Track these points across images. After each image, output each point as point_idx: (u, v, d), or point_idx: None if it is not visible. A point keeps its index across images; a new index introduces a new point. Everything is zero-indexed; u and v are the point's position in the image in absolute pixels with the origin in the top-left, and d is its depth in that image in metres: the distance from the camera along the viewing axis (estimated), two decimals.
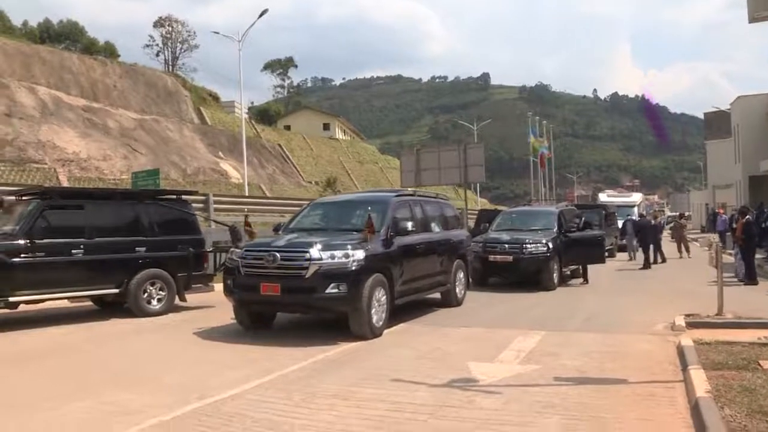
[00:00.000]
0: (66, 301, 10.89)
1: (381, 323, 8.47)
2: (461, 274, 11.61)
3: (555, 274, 14.24)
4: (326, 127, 64.14)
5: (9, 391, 5.99)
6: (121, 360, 7.32)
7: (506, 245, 14.36)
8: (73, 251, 9.76)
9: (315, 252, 8.03)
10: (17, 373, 6.78)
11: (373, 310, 8.22)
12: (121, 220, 10.54)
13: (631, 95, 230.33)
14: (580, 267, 15.80)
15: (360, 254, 8.15)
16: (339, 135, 64.70)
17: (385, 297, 8.59)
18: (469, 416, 4.93)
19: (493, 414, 4.98)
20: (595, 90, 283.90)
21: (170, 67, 59.12)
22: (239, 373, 6.41)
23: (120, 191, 12.82)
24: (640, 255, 21.33)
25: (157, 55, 61.81)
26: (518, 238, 14.57)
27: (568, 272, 15.80)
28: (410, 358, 7.21)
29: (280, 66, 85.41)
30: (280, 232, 9.69)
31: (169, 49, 62.24)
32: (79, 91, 32.44)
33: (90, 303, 11.27)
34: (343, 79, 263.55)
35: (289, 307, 8.84)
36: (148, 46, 62.20)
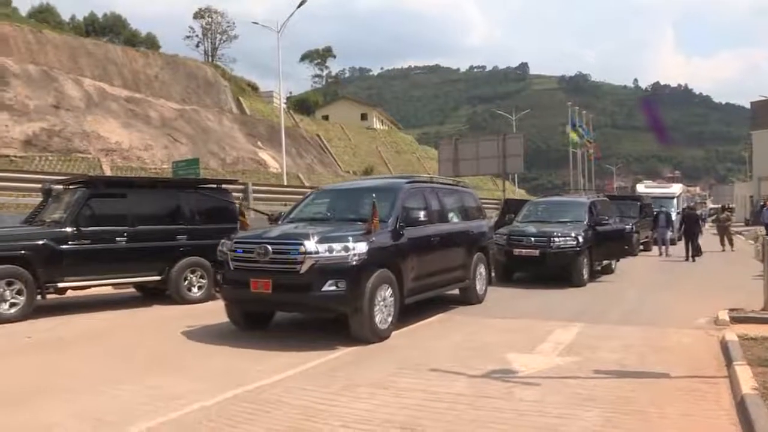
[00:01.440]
0: (110, 287, 11.18)
1: (387, 325, 7.63)
2: (482, 269, 10.69)
3: (585, 270, 13.28)
4: (364, 117, 64.30)
5: (59, 374, 6.17)
6: (163, 346, 7.46)
7: (532, 238, 13.39)
8: (116, 239, 9.99)
9: (311, 244, 7.13)
10: (66, 357, 6.97)
11: (376, 310, 7.39)
12: (163, 208, 10.73)
13: (674, 84, 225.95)
14: (612, 262, 15.05)
15: (362, 247, 7.29)
16: (377, 125, 64.76)
17: (392, 295, 7.75)
18: (508, 407, 4.91)
19: (532, 406, 4.95)
20: (635, 79, 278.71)
21: (210, 57, 59.92)
22: (279, 360, 6.47)
23: (162, 180, 13.04)
24: (673, 249, 20.87)
25: (197, 45, 62.84)
26: (545, 230, 13.59)
27: (599, 268, 14.76)
28: (448, 348, 7.21)
29: (318, 56, 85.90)
30: (279, 223, 8.99)
31: (209, 40, 63.16)
32: (122, 82, 33.05)
33: (133, 290, 11.50)
34: (381, 68, 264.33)
35: (281, 306, 8.08)
36: (188, 37, 63.30)
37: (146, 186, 11.21)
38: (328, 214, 8.99)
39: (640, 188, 35.36)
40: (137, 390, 5.46)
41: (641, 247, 21.94)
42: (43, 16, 44.14)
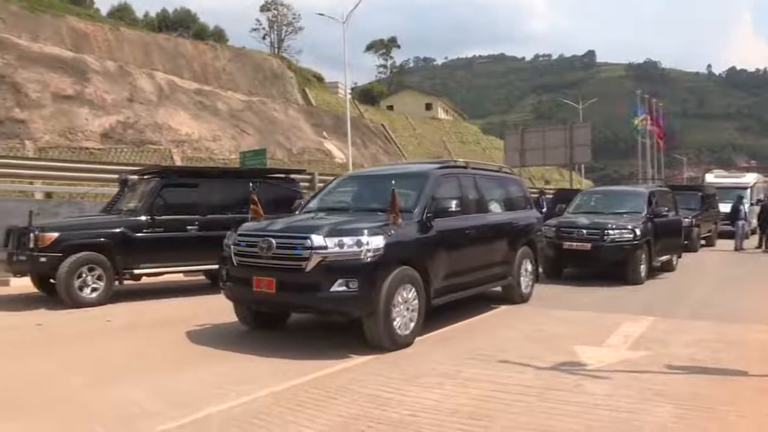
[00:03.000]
0: (181, 274, 11.53)
1: (408, 331, 6.74)
2: (528, 265, 9.75)
3: (643, 266, 12.15)
4: (429, 107, 64.08)
5: (136, 356, 6.45)
6: (229, 333, 7.59)
7: (584, 230, 12.29)
8: (188, 227, 10.33)
9: (318, 238, 6.33)
10: (142, 340, 7.27)
11: (395, 313, 6.52)
12: (232, 197, 10.97)
13: (751, 69, 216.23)
14: (673, 258, 13.89)
15: (377, 242, 6.42)
16: (441, 115, 64.46)
17: (415, 297, 6.85)
18: (577, 400, 4.85)
19: (601, 399, 4.87)
20: (709, 66, 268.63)
21: (276, 49, 60.85)
22: (346, 348, 6.53)
23: (232, 170, 13.37)
24: (747, 242, 20.05)
25: (264, 38, 63.99)
26: (599, 222, 12.49)
27: (658, 264, 13.30)
28: (515, 339, 7.16)
29: (383, 46, 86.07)
30: (297, 212, 8.34)
31: (275, 32, 64.18)
32: (192, 75, 33.92)
33: (203, 277, 11.83)
34: (445, 58, 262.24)
35: (287, 308, 7.31)
36: (254, 29, 64.54)
37: (216, 176, 11.52)
38: (350, 203, 8.19)
39: (709, 178, 33.47)
40: (208, 374, 5.66)
41: (702, 242, 20.47)
42: (120, 14, 46.09)
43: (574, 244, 12.23)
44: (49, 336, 7.53)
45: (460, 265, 7.88)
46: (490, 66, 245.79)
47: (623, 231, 12.07)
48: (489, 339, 7.16)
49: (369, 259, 6.35)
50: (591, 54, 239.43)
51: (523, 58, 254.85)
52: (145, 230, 9.88)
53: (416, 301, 6.85)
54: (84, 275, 9.24)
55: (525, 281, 9.63)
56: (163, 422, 4.39)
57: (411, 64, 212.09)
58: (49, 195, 15.74)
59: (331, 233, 6.41)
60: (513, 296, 9.41)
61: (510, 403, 4.78)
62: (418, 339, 6.96)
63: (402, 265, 6.68)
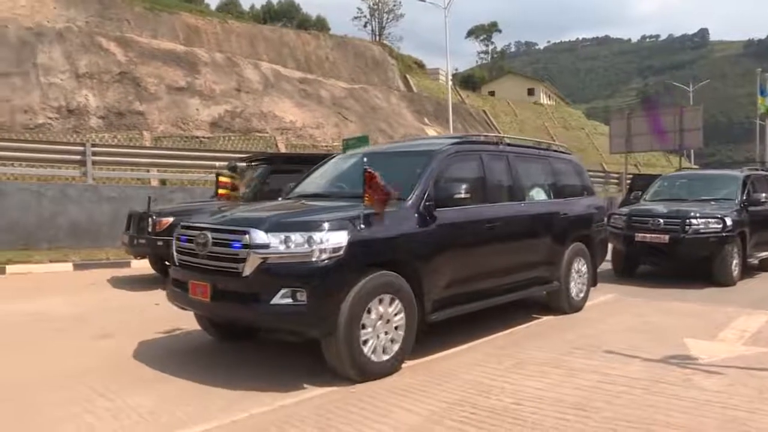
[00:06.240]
0: None
1: (387, 356, 5.15)
2: (581, 266, 8.02)
3: (734, 263, 10.27)
4: (531, 92, 62.92)
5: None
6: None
7: (661, 220, 10.37)
8: None
9: (258, 234, 4.85)
10: None
11: (365, 334, 4.96)
12: None
13: None
14: None
15: (338, 239, 4.87)
16: (544, 100, 63.08)
17: (401, 310, 5.24)
18: (688, 396, 4.66)
19: (714, 396, 4.65)
20: None
21: (377, 36, 61.38)
22: (453, 336, 6.49)
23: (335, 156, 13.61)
24: None
25: (365, 26, 64.72)
26: (680, 210, 10.49)
27: (756, 262, 11.39)
28: (621, 330, 6.95)
29: (484, 31, 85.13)
30: (280, 200, 6.82)
31: (376, 20, 64.75)
32: (295, 65, 34.75)
33: None
34: (548, 42, 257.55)
35: (228, 320, 5.74)
36: (356, 18, 65.44)
37: (321, 162, 11.78)
38: (341, 187, 6.54)
39: None
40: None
41: None
42: (228, 8, 48.08)
43: (648, 235, 10.35)
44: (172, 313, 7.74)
45: (476, 268, 6.25)
46: (594, 49, 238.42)
47: (710, 220, 10.16)
48: (593, 329, 6.99)
49: (323, 262, 4.81)
50: (703, 32, 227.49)
51: (629, 40, 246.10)
52: None
53: (400, 316, 5.26)
54: None
55: (576, 286, 7.94)
56: None
57: (512, 49, 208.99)
58: (163, 182, 16.66)
59: (274, 227, 4.93)
60: (560, 304, 7.77)
61: (616, 395, 4.66)
62: (517, 327, 6.82)
63: (379, 269, 5.12)
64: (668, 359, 5.62)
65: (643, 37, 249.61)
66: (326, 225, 4.91)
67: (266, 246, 4.80)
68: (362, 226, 5.01)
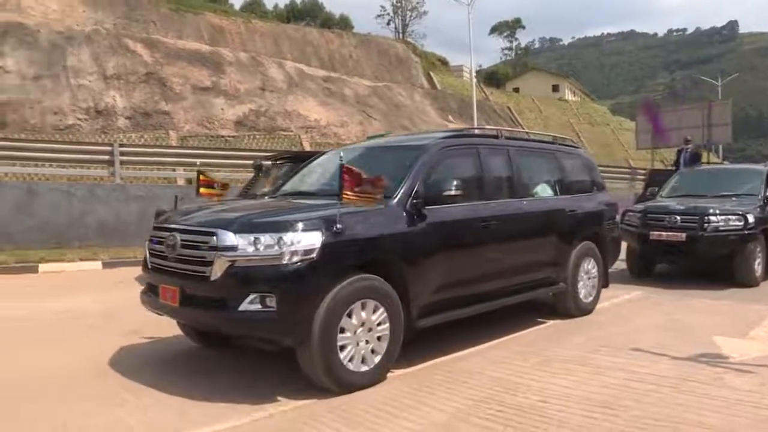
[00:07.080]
0: None
1: (368, 366, 4.85)
2: (590, 266, 7.60)
3: (757, 263, 9.70)
4: (555, 88, 62.43)
5: None
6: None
7: (678, 217, 9.78)
8: None
9: (226, 235, 4.59)
10: None
11: (343, 340, 4.67)
12: None
13: None
14: None
15: (311, 240, 4.57)
16: (568, 96, 62.55)
17: (383, 316, 4.92)
18: (718, 394, 4.59)
19: (745, 395, 4.57)
20: None
21: (400, 34, 61.42)
22: (477, 332, 6.48)
23: None
24: None
25: (388, 23, 64.78)
26: (698, 206, 9.87)
27: None
28: (648, 327, 6.88)
29: (508, 28, 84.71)
30: (266, 198, 6.58)
31: (399, 18, 64.77)
32: (319, 63, 34.89)
33: None
34: (572, 38, 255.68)
35: (198, 326, 5.57)
36: (379, 16, 65.75)
37: None
38: (330, 184, 5.80)
39: None
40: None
41: None
42: (252, 8, 48.46)
43: (664, 233, 9.79)
44: None
45: (469, 270, 5.86)
46: (619, 44, 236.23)
47: (730, 217, 9.54)
48: (620, 326, 6.94)
49: (295, 265, 4.50)
50: (732, 24, 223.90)
51: (655, 34, 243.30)
52: None
53: (384, 326, 4.94)
54: None
55: (585, 287, 7.53)
56: None
57: (536, 45, 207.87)
58: (189, 181, 16.82)
59: (244, 228, 4.63)
60: (567, 306, 7.34)
61: (644, 393, 4.62)
62: (543, 326, 6.79)
63: (358, 272, 4.82)
64: (697, 357, 5.55)
65: (670, 31, 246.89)
66: (299, 225, 4.60)
67: (234, 248, 4.53)
68: (339, 226, 4.65)
